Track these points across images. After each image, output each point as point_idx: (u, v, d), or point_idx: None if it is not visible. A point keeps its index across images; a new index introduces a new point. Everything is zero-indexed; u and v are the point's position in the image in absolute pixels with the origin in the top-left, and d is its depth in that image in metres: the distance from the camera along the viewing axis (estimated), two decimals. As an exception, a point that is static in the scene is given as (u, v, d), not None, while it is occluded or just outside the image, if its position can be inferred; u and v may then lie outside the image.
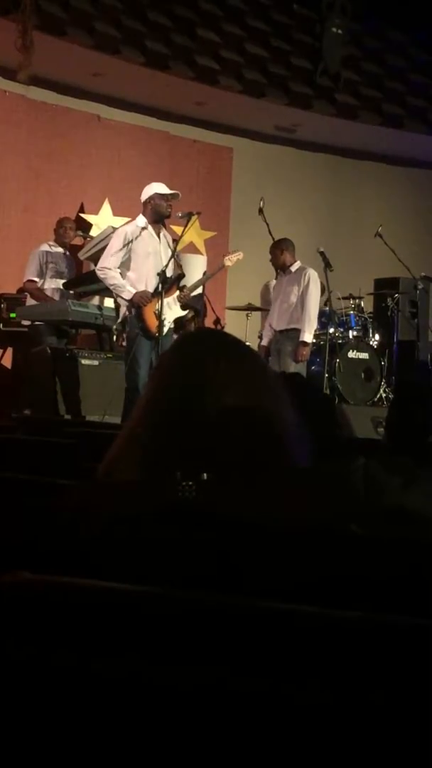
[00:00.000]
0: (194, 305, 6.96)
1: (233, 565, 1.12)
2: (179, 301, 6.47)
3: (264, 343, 7.74)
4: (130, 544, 1.16)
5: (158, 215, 6.38)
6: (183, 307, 6.54)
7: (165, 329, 6.28)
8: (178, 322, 6.64)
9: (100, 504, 1.26)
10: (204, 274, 7.91)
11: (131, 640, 0.79)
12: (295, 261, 7.72)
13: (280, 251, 7.66)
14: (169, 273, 6.33)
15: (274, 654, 0.79)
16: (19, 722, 0.78)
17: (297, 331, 7.48)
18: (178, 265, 6.59)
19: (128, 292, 6.28)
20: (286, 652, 0.79)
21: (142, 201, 6.45)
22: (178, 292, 6.48)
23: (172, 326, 6.47)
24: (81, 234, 8.47)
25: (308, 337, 7.49)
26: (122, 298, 6.38)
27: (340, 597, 1.10)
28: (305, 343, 7.47)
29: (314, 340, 7.72)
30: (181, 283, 6.57)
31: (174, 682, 0.77)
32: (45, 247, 7.81)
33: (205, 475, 1.27)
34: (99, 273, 6.44)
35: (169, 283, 6.34)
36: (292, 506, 1.32)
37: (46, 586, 0.82)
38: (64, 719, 0.78)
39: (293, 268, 7.68)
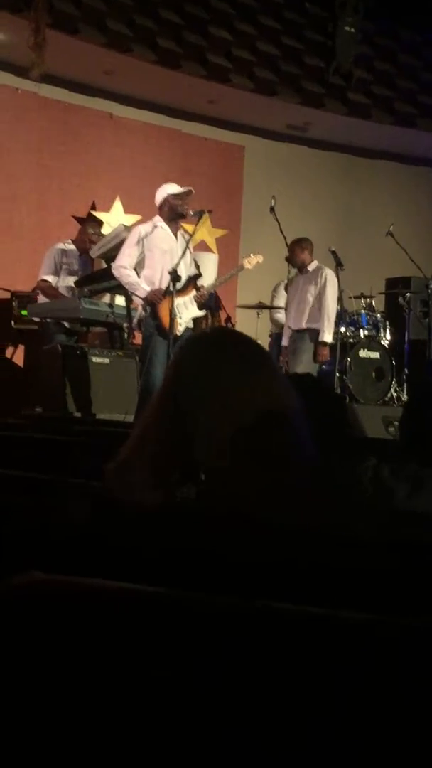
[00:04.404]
0: (209, 304, 6.95)
1: (237, 565, 1.12)
2: (196, 300, 6.46)
3: (284, 342, 7.74)
4: (134, 544, 1.16)
5: (175, 215, 6.39)
6: (200, 307, 6.53)
7: (181, 328, 6.28)
8: (196, 321, 6.64)
9: (109, 505, 1.27)
10: (217, 278, 7.90)
11: (142, 641, 0.79)
12: (313, 260, 7.74)
13: (300, 249, 7.69)
14: (184, 272, 6.32)
15: (279, 656, 0.79)
16: (29, 724, 0.79)
17: (313, 331, 7.50)
18: (195, 265, 6.57)
19: (143, 290, 6.26)
20: (293, 653, 0.79)
21: (156, 204, 6.45)
22: (194, 292, 6.47)
23: (191, 326, 6.47)
24: (92, 232, 8.47)
25: (328, 337, 7.50)
26: (137, 296, 6.38)
27: (345, 599, 1.10)
28: (324, 344, 7.48)
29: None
30: (199, 283, 6.55)
31: (179, 684, 0.78)
32: (60, 246, 7.80)
33: (202, 476, 1.27)
34: (114, 272, 6.45)
35: (184, 282, 6.33)
36: (301, 506, 1.32)
37: (58, 586, 0.82)
38: (71, 725, 0.78)
39: (310, 268, 7.70)
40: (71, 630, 0.79)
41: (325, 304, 7.49)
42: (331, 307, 7.54)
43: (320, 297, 7.53)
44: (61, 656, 0.78)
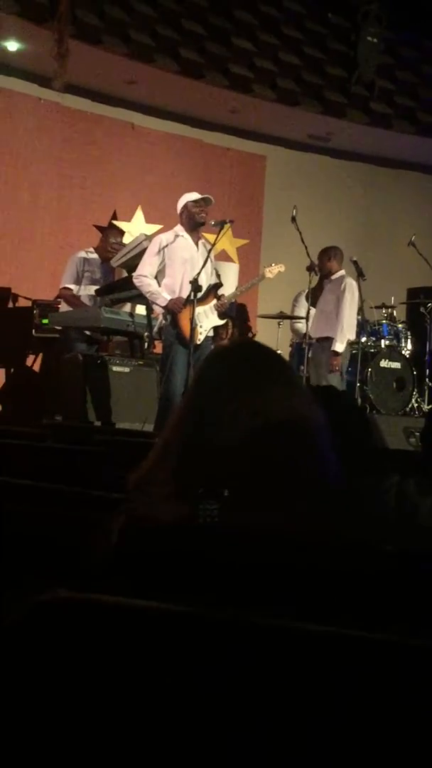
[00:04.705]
0: (229, 313, 6.95)
1: (256, 578, 1.11)
2: (217, 309, 6.47)
3: (310, 355, 7.72)
4: (159, 558, 1.15)
5: (194, 223, 6.41)
6: (221, 316, 6.54)
7: (201, 337, 6.29)
8: (216, 330, 6.65)
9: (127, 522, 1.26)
10: (238, 287, 7.90)
11: (166, 660, 0.78)
12: (340, 269, 7.71)
13: (327, 258, 7.69)
14: (205, 282, 6.33)
15: (300, 679, 0.78)
16: (54, 734, 0.78)
17: (330, 340, 7.46)
18: (216, 275, 6.58)
19: (163, 299, 6.29)
20: (312, 676, 0.78)
21: (178, 213, 6.49)
22: (215, 301, 6.48)
23: (211, 335, 6.48)
24: (114, 241, 8.50)
25: (339, 347, 7.43)
26: (158, 305, 6.40)
27: (365, 610, 1.08)
28: (336, 353, 7.42)
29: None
30: (220, 292, 6.56)
31: (196, 697, 0.77)
32: (82, 254, 7.83)
33: (225, 492, 1.26)
34: (135, 281, 6.49)
35: (205, 291, 6.33)
36: (324, 523, 1.31)
37: (83, 604, 0.82)
38: (91, 738, 0.77)
39: (333, 277, 7.67)
40: (94, 647, 0.78)
41: (340, 313, 7.44)
42: (347, 316, 7.46)
43: (337, 305, 7.49)
44: (81, 672, 0.78)
